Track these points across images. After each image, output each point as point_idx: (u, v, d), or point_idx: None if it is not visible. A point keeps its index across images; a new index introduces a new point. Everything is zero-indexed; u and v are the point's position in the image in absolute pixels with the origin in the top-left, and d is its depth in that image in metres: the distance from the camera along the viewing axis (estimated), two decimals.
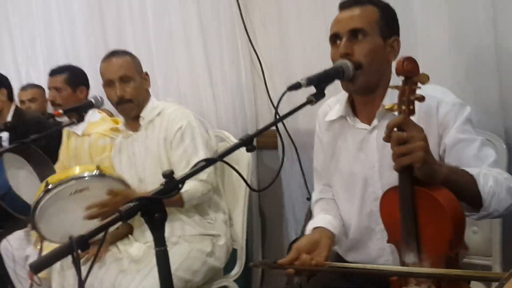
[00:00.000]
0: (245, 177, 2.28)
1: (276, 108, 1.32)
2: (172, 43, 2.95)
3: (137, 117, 2.27)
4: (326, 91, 1.39)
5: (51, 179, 1.99)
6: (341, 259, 1.66)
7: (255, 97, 2.73)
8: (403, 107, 1.24)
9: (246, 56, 2.67)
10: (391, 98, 1.43)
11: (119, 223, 1.14)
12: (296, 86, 1.34)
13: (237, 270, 2.34)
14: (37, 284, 2.36)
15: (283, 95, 1.32)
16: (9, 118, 3.19)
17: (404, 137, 1.19)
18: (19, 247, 2.68)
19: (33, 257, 2.48)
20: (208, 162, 1.17)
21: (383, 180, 1.49)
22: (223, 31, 2.71)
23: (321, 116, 1.72)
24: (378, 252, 1.54)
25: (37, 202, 1.94)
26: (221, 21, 2.70)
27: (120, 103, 2.21)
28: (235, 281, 2.34)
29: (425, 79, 1.26)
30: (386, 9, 1.52)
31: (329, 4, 1.84)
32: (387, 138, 1.23)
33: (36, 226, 1.98)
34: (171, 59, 2.97)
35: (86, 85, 2.84)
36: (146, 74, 2.31)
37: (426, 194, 1.20)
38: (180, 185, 1.10)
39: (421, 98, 1.24)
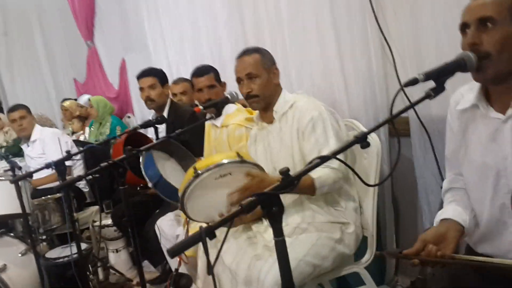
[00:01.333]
0: (375, 165, 2.37)
1: (391, 107, 1.35)
2: (305, 36, 3.04)
3: (270, 110, 2.40)
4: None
5: (199, 165, 2.16)
6: (472, 251, 1.63)
7: (386, 85, 2.71)
8: None
9: (377, 44, 2.65)
10: None
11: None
12: (412, 82, 1.36)
13: (367, 257, 2.37)
14: (185, 262, 2.64)
15: (397, 93, 1.34)
16: (165, 111, 3.57)
17: None
18: (171, 227, 3.01)
19: (182, 237, 2.78)
20: (323, 160, 1.25)
21: None
22: (354, 20, 2.71)
23: (452, 105, 1.68)
24: (510, 246, 1.49)
25: (187, 186, 2.13)
26: (351, 11, 2.71)
27: (248, 98, 2.38)
28: (367, 268, 2.37)
29: None
30: None
31: None
32: None
33: (184, 207, 2.20)
34: (304, 52, 3.07)
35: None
36: (276, 68, 2.42)
37: None
38: (295, 182, 1.19)
39: None
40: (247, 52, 2.42)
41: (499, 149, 1.49)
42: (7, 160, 3.21)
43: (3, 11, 8.07)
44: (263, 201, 1.18)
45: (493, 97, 1.53)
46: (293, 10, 3.07)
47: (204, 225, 2.27)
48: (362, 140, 1.28)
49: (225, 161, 2.14)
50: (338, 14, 2.80)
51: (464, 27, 1.47)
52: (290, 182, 1.21)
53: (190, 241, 1.10)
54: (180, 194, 2.16)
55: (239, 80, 2.40)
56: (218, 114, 2.54)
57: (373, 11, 2.60)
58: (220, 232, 1.18)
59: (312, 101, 2.35)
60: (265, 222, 2.40)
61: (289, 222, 2.25)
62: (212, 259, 1.16)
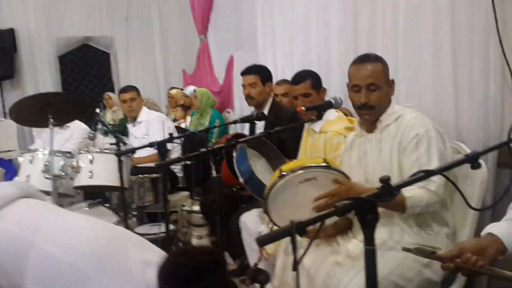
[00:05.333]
0: (477, 194, 2.23)
1: (510, 131, 1.26)
2: (419, 50, 2.92)
3: (375, 120, 2.33)
4: None
5: (284, 167, 2.17)
6: None
7: (502, 111, 2.54)
8: None
9: (498, 68, 2.49)
10: None
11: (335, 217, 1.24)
12: None
13: (456, 287, 2.24)
14: (265, 259, 2.65)
15: None
16: (266, 109, 3.62)
17: None
18: (255, 223, 3.03)
19: None
20: (427, 174, 1.19)
21: None
22: (475, 41, 2.58)
23: None
24: None
25: (271, 187, 2.15)
26: (474, 31, 2.57)
27: (362, 108, 2.26)
28: None
29: None
30: None
31: None
32: None
33: (267, 209, 2.20)
34: (417, 67, 2.96)
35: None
36: (392, 81, 2.32)
37: None
38: (394, 192, 1.14)
39: None
40: (368, 59, 2.28)
41: None
42: (114, 134, 3.39)
43: None
44: (359, 206, 1.15)
45: None
46: (411, 23, 2.97)
47: None
48: (473, 160, 1.20)
49: (310, 164, 2.12)
50: (459, 32, 2.66)
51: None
52: (389, 191, 1.16)
53: (279, 233, 1.10)
54: (264, 194, 2.17)
55: (356, 88, 2.26)
56: (319, 117, 2.51)
57: (498, 34, 2.45)
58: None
59: (421, 117, 2.23)
60: (350, 234, 2.36)
61: (376, 236, 2.18)
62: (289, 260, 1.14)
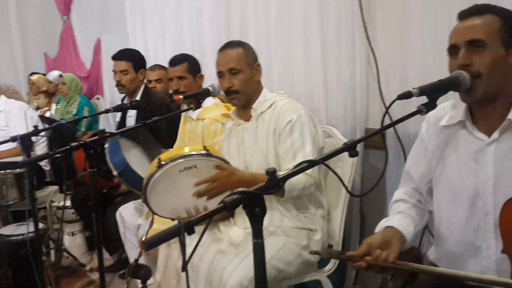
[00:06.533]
0: (348, 175, 2.35)
1: (383, 116, 1.33)
2: (291, 38, 3.01)
3: (248, 108, 2.35)
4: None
5: (163, 156, 2.12)
6: None
7: (367, 97, 2.70)
8: None
9: (363, 55, 2.64)
10: None
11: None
12: (406, 96, 1.35)
13: (331, 266, 2.36)
14: (146, 253, 2.57)
15: (391, 104, 1.32)
16: (138, 96, 3.47)
17: None
18: (132, 216, 2.92)
19: (144, 227, 2.70)
20: (310, 164, 1.21)
21: (497, 196, 1.44)
22: (342, 29, 2.70)
23: (432, 119, 1.67)
24: (480, 271, 1.48)
25: (150, 177, 2.08)
26: (341, 19, 2.69)
27: (228, 93, 2.32)
28: (329, 276, 2.36)
29: None
30: (510, 18, 1.46)
31: (455, 8, 1.78)
32: None
33: (147, 200, 2.13)
34: (288, 54, 3.04)
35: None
36: (258, 65, 2.37)
37: None
38: (281, 184, 1.15)
39: None
40: (230, 45, 2.35)
41: (480, 170, 1.49)
42: None
43: None
44: (246, 200, 1.14)
45: (477, 118, 1.54)
46: (282, 11, 3.04)
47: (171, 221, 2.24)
48: (351, 148, 1.25)
49: (190, 152, 2.09)
50: (327, 20, 2.78)
51: (453, 49, 1.48)
52: (276, 183, 1.17)
53: (167, 235, 1.05)
54: (143, 186, 2.10)
55: (220, 74, 2.33)
56: (198, 106, 2.47)
57: (363, 22, 2.59)
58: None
59: (292, 103, 2.31)
60: (232, 221, 2.37)
61: None
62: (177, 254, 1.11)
